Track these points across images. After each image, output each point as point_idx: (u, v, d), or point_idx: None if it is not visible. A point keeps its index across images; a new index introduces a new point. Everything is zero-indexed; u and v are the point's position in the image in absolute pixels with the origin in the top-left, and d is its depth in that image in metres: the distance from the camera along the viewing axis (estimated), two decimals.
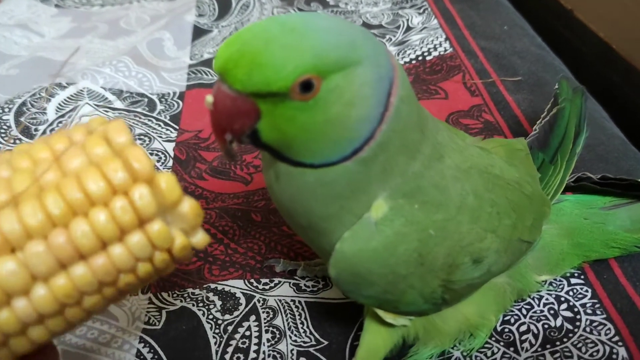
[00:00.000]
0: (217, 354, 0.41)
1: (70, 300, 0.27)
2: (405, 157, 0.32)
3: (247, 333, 0.43)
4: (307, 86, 0.28)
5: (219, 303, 0.45)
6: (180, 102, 0.68)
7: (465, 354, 0.40)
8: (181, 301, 0.45)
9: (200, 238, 0.30)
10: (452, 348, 0.40)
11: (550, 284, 0.44)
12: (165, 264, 0.29)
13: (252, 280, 0.46)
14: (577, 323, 0.41)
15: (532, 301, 0.43)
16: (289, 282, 0.46)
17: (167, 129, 0.63)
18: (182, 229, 0.29)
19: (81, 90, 0.68)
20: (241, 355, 0.41)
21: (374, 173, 0.32)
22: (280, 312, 0.44)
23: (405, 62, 0.71)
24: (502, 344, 0.41)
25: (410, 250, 0.33)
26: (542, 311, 0.42)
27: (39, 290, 0.26)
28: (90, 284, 0.27)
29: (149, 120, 0.65)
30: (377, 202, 0.32)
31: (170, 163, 0.59)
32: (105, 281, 0.27)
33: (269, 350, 0.41)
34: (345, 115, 0.29)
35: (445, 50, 0.72)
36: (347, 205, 0.32)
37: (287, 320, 0.43)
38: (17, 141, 0.60)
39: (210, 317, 0.44)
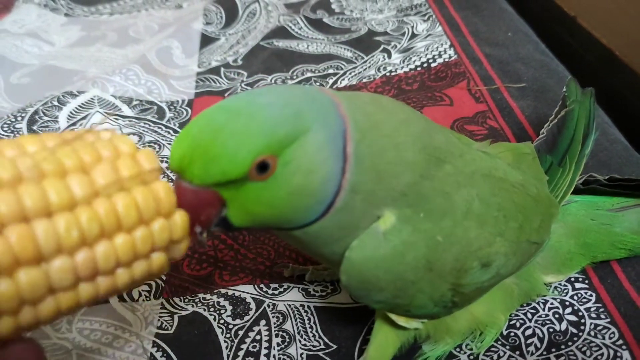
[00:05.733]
0: (228, 358, 0.42)
1: (68, 311, 0.27)
2: (388, 177, 0.33)
3: (258, 337, 0.43)
4: (263, 167, 0.29)
5: (229, 308, 0.46)
6: (189, 110, 0.69)
7: (472, 357, 0.41)
8: (193, 306, 0.46)
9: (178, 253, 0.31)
10: (459, 351, 0.41)
11: (555, 288, 0.45)
12: (141, 282, 0.30)
13: (261, 285, 0.47)
14: (582, 327, 0.42)
15: (537, 305, 0.44)
16: (298, 287, 0.47)
17: (177, 136, 0.64)
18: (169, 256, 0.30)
19: (92, 98, 0.69)
20: (252, 359, 0.42)
21: (358, 209, 0.32)
22: (290, 316, 0.45)
23: (411, 69, 0.72)
24: (507, 347, 0.41)
25: (418, 257, 0.34)
26: (547, 315, 0.43)
27: (48, 301, 0.26)
28: (89, 299, 0.28)
29: (159, 127, 0.66)
30: (384, 214, 0.33)
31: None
32: (100, 296, 0.28)
33: (279, 354, 0.42)
34: (306, 183, 0.30)
35: (450, 57, 0.73)
36: (344, 238, 0.33)
37: (296, 324, 0.44)
38: None
39: (222, 321, 0.45)
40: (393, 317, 0.37)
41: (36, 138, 0.27)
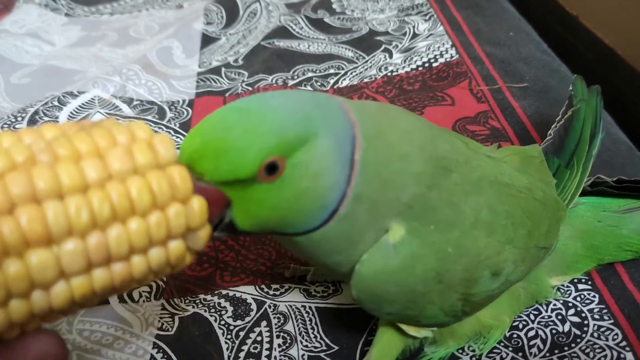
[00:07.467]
0: (229, 359, 0.42)
1: (82, 300, 0.27)
2: (393, 188, 0.32)
3: (259, 338, 0.43)
4: (272, 168, 0.29)
5: (230, 309, 0.45)
6: (190, 110, 0.69)
7: (474, 359, 0.41)
8: (193, 307, 0.46)
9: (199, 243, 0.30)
10: (461, 353, 0.41)
11: (558, 289, 0.44)
12: (162, 274, 0.30)
13: (262, 286, 0.47)
14: (585, 328, 0.42)
15: (540, 307, 0.44)
16: (299, 288, 0.47)
17: (177, 137, 0.64)
18: (188, 246, 0.30)
19: (92, 98, 0.69)
20: None
21: (362, 219, 0.32)
22: (291, 317, 0.45)
23: (412, 69, 0.72)
24: (510, 349, 0.41)
25: (428, 269, 0.33)
26: (550, 317, 0.43)
27: (60, 285, 0.26)
28: (105, 287, 0.27)
29: (159, 127, 0.66)
30: (392, 227, 0.33)
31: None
32: (116, 286, 0.28)
33: (280, 356, 0.42)
34: (312, 187, 0.30)
35: (452, 57, 0.73)
36: (347, 250, 0.33)
37: (297, 325, 0.44)
38: None
39: (222, 322, 0.44)
40: (403, 327, 0.37)
41: (56, 127, 0.28)
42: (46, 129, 0.27)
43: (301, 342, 0.43)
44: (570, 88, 0.49)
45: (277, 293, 0.47)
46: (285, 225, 0.32)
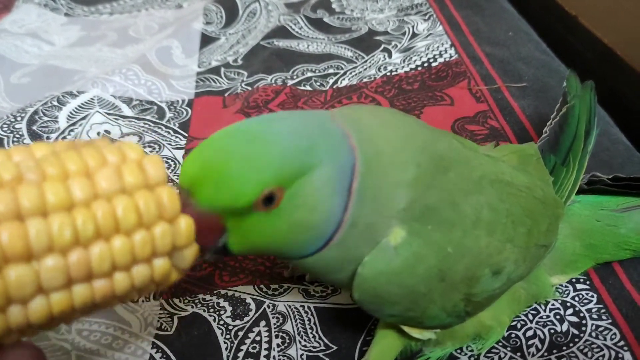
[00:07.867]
0: (228, 358, 0.42)
1: (62, 315, 0.27)
2: (389, 202, 0.32)
3: (258, 338, 0.43)
4: (270, 199, 0.29)
5: (229, 309, 0.45)
6: (189, 110, 0.69)
7: (473, 358, 0.41)
8: (192, 307, 0.46)
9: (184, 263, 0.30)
10: (460, 353, 0.41)
11: (557, 289, 0.44)
12: (146, 291, 0.30)
13: (261, 286, 0.47)
14: (583, 328, 0.42)
15: (538, 307, 0.44)
16: (298, 288, 0.47)
17: (177, 137, 0.64)
18: (174, 265, 0.30)
19: (92, 98, 0.69)
20: None
21: (356, 241, 0.32)
22: (290, 317, 0.45)
23: (411, 69, 0.72)
24: (509, 349, 0.41)
25: (429, 269, 0.33)
26: (548, 316, 0.43)
27: (38, 300, 0.26)
28: (85, 303, 0.27)
29: (159, 127, 0.66)
30: (393, 229, 0.33)
31: (180, 170, 0.60)
32: (97, 303, 0.28)
33: (279, 355, 0.42)
34: (309, 218, 0.30)
35: (451, 57, 0.73)
36: (344, 269, 0.34)
37: (296, 325, 0.44)
38: None
39: (221, 322, 0.44)
40: (406, 329, 0.37)
41: (47, 145, 0.28)
42: (37, 148, 0.28)
43: (300, 342, 0.43)
44: (564, 84, 0.49)
45: (276, 293, 0.47)
46: (280, 253, 0.33)
